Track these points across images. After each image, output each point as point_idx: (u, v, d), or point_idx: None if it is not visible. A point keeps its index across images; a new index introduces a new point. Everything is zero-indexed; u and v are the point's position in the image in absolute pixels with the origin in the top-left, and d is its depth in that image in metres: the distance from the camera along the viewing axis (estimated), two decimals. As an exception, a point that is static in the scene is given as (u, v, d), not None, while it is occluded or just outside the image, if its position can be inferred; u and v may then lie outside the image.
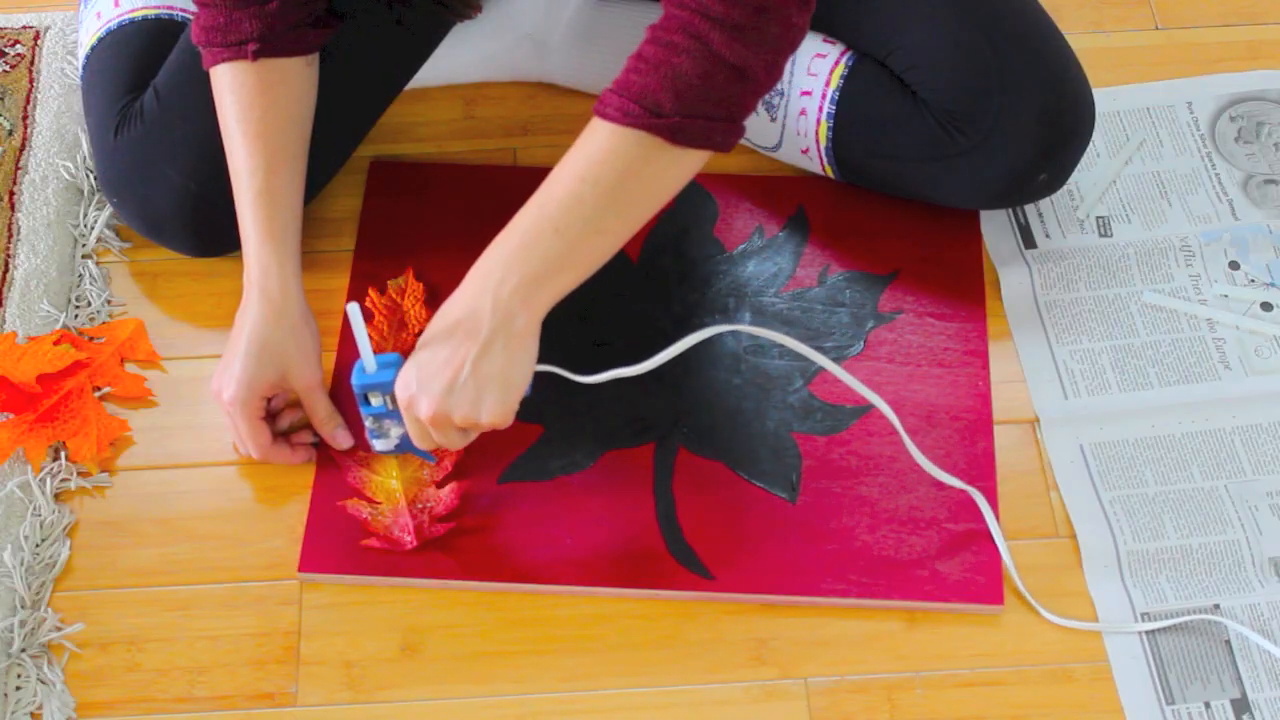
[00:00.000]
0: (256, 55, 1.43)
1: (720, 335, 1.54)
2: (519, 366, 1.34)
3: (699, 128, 1.30)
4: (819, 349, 1.53)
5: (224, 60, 1.44)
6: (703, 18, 1.27)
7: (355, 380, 1.40)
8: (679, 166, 1.33)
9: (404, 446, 1.43)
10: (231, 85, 1.44)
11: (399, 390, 1.36)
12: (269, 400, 1.47)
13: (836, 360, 1.52)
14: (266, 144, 1.45)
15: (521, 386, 1.35)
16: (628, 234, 1.35)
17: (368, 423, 1.42)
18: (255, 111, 1.44)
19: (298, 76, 1.46)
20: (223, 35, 1.43)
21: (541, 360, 1.36)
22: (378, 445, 1.44)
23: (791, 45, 1.30)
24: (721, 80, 1.29)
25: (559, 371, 1.42)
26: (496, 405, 1.34)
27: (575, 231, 1.32)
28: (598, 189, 1.31)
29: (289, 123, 1.46)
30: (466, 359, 1.33)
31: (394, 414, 1.40)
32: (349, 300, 1.57)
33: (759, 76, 1.30)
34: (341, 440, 1.48)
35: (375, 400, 1.40)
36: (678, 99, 1.28)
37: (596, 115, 1.31)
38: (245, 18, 1.42)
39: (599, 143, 1.31)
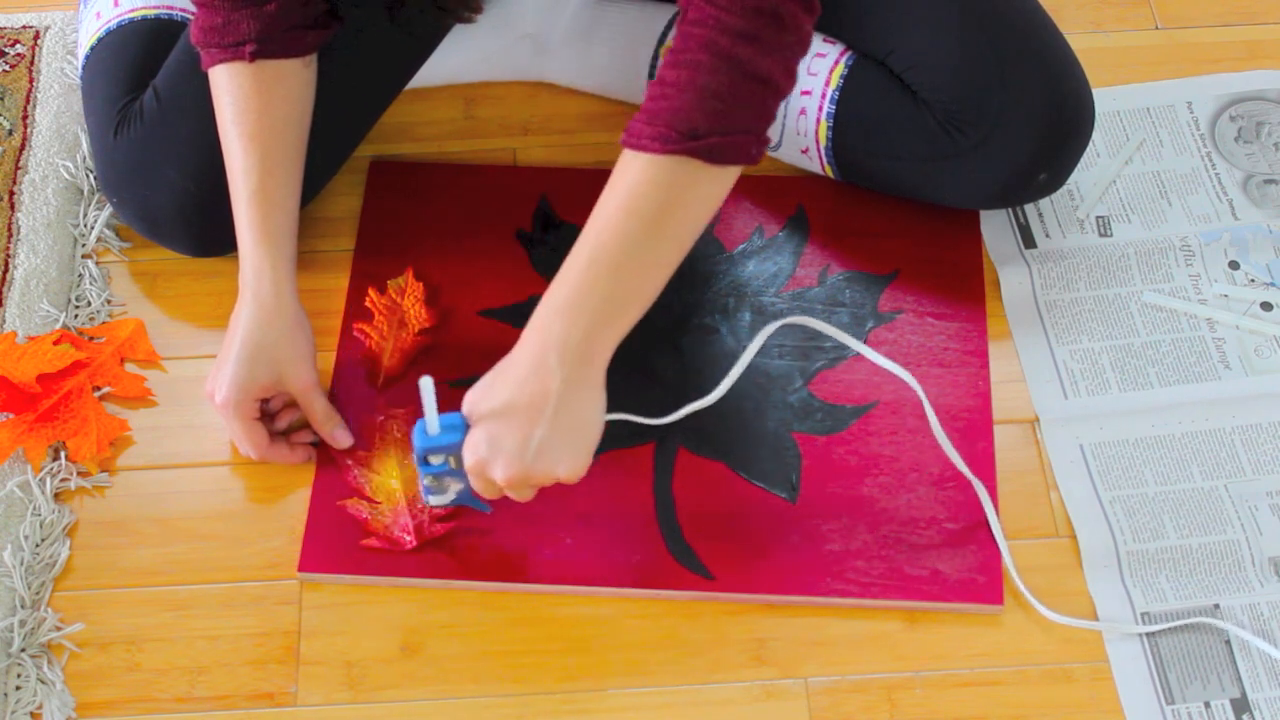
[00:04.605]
0: (254, 56, 1.43)
1: (720, 335, 1.54)
2: (592, 417, 1.33)
3: (733, 144, 1.29)
4: (819, 349, 1.53)
5: (221, 61, 1.44)
6: (722, 33, 1.26)
7: (418, 443, 1.36)
8: (719, 185, 1.31)
9: (461, 500, 1.40)
10: (229, 86, 1.44)
11: (468, 455, 1.33)
12: (267, 401, 1.47)
13: (836, 360, 1.53)
14: (262, 145, 1.45)
15: (596, 437, 1.34)
16: (678, 260, 1.33)
17: (425, 480, 1.39)
18: (252, 113, 1.44)
19: (295, 78, 1.46)
20: (220, 36, 1.43)
21: None
22: (433, 500, 1.41)
23: (803, 50, 1.30)
24: (748, 93, 1.28)
25: (631, 418, 1.41)
26: (573, 460, 1.32)
27: (630, 269, 1.30)
28: (645, 222, 1.29)
29: (285, 124, 1.46)
30: (540, 418, 1.30)
31: (455, 472, 1.37)
32: (347, 299, 1.57)
33: (780, 84, 1.29)
34: (340, 440, 1.48)
35: (436, 460, 1.37)
36: (711, 118, 1.27)
37: (629, 148, 1.29)
38: (243, 19, 1.42)
39: (638, 175, 1.28)
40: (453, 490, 1.40)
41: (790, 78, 1.30)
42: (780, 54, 1.28)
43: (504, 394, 1.32)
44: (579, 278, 1.30)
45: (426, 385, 1.34)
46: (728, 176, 1.31)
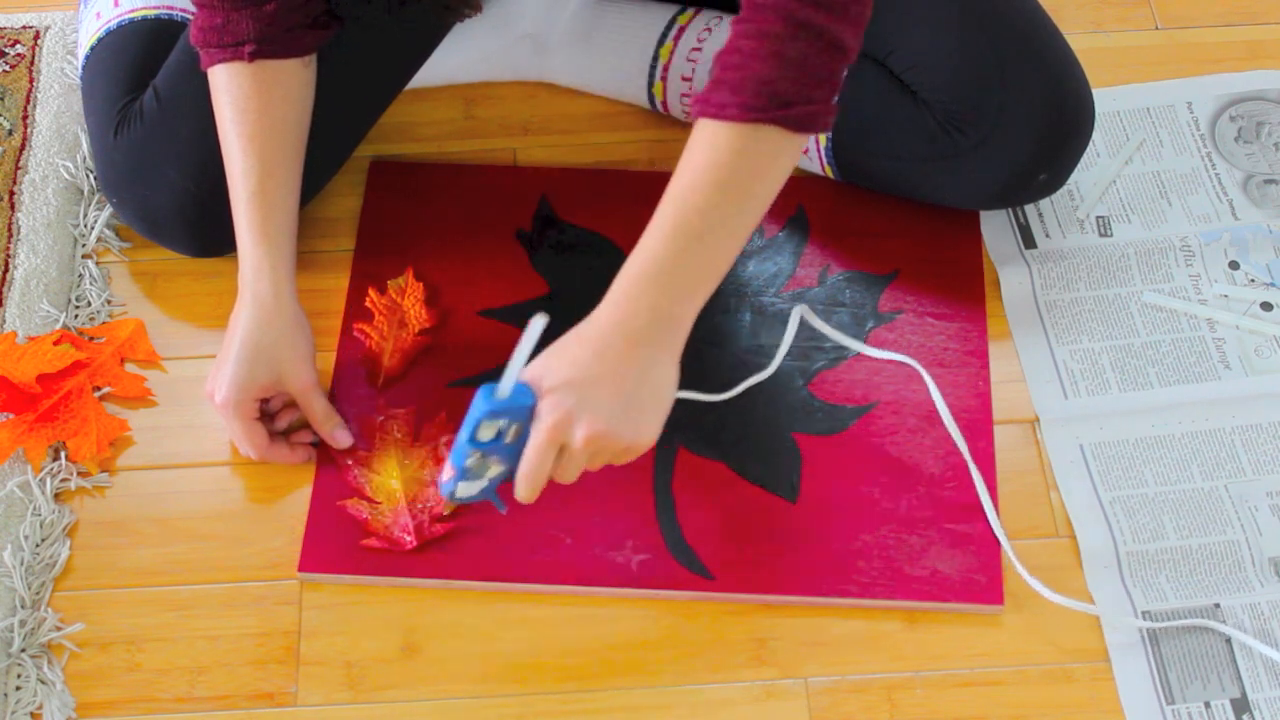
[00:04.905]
0: (253, 56, 1.43)
1: (721, 336, 1.54)
2: (671, 387, 1.32)
3: (814, 112, 1.29)
4: (818, 348, 1.53)
5: (221, 61, 1.44)
6: (798, 1, 1.26)
7: (481, 408, 1.29)
8: (795, 154, 1.31)
9: (487, 492, 1.35)
10: (228, 87, 1.44)
11: (551, 411, 1.29)
12: (268, 401, 1.47)
13: (836, 361, 1.53)
14: (262, 146, 1.45)
15: (669, 407, 1.32)
16: (754, 229, 1.33)
17: (468, 459, 1.31)
18: (251, 113, 1.44)
19: (294, 78, 1.46)
20: (220, 36, 1.43)
21: None
22: (460, 489, 1.34)
23: (868, 17, 1.30)
24: (827, 61, 1.28)
25: (696, 396, 1.41)
26: (652, 427, 1.31)
27: (713, 238, 1.30)
28: (728, 191, 1.29)
29: (285, 125, 1.46)
30: (628, 382, 1.29)
31: (504, 449, 1.32)
32: (347, 299, 1.57)
33: (851, 51, 1.29)
34: (340, 439, 1.48)
35: (487, 433, 1.30)
36: (794, 85, 1.27)
37: (708, 118, 1.28)
38: (243, 19, 1.42)
39: (721, 144, 1.28)
40: (488, 476, 1.33)
41: (859, 45, 1.30)
42: (853, 22, 1.29)
43: (588, 359, 1.29)
44: (664, 247, 1.29)
45: (537, 325, 1.28)
46: (800, 146, 1.31)
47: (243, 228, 1.46)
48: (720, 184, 1.28)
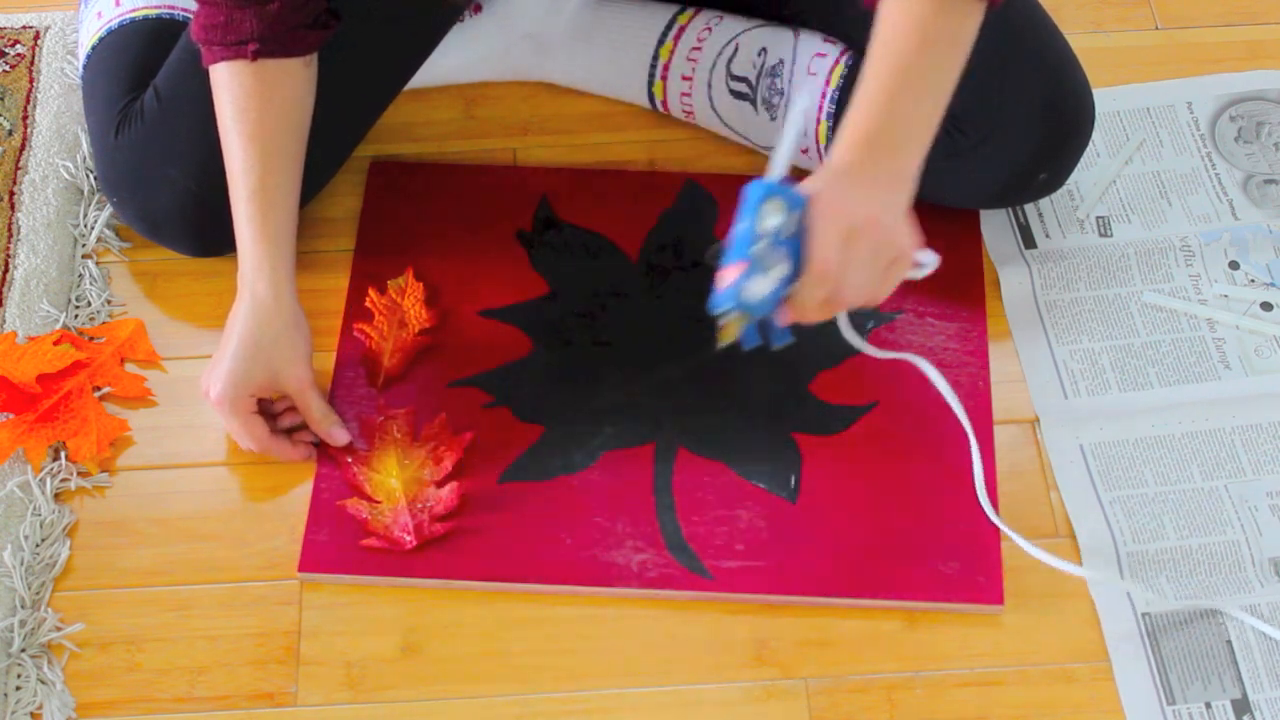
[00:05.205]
0: (256, 55, 1.43)
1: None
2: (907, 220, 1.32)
3: None
4: (819, 349, 1.53)
5: (223, 59, 1.44)
6: None
7: (762, 187, 1.19)
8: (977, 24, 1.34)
9: (773, 301, 1.21)
10: (229, 85, 1.44)
11: (829, 196, 1.23)
12: (272, 403, 1.47)
13: (836, 361, 1.52)
14: (263, 144, 1.45)
15: (911, 232, 1.32)
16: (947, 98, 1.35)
17: (755, 247, 1.18)
18: (252, 112, 1.44)
19: (296, 77, 1.46)
20: (223, 34, 1.43)
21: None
22: (749, 290, 1.19)
23: None
24: None
25: None
26: (911, 233, 1.31)
27: (934, 100, 1.32)
28: (936, 54, 1.32)
29: (286, 123, 1.46)
30: (900, 194, 1.30)
31: (784, 244, 1.19)
32: (347, 299, 1.57)
33: None
34: (338, 438, 1.47)
35: (772, 218, 1.18)
36: None
37: None
38: (246, 17, 1.42)
39: (926, 9, 1.31)
40: (775, 273, 1.21)
41: None
42: None
43: (843, 167, 1.28)
44: (907, 94, 1.31)
45: (800, 104, 1.22)
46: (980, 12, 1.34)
47: (242, 225, 1.46)
48: (927, 48, 1.31)
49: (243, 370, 1.44)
